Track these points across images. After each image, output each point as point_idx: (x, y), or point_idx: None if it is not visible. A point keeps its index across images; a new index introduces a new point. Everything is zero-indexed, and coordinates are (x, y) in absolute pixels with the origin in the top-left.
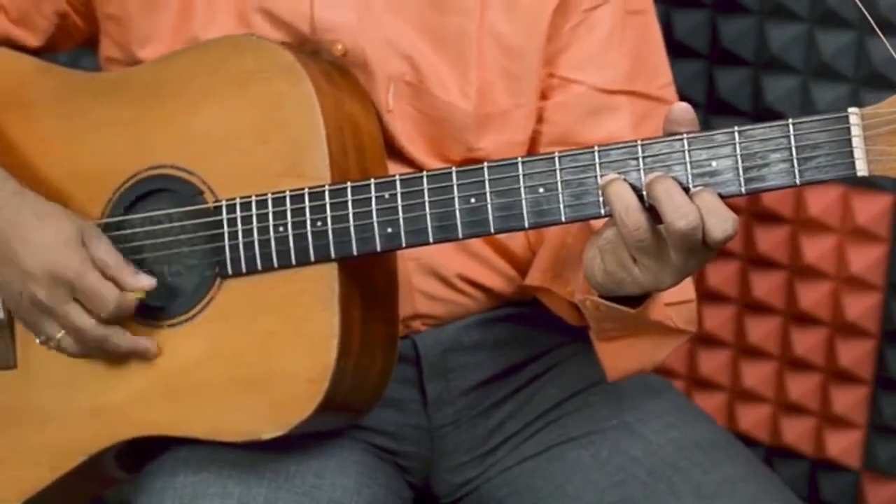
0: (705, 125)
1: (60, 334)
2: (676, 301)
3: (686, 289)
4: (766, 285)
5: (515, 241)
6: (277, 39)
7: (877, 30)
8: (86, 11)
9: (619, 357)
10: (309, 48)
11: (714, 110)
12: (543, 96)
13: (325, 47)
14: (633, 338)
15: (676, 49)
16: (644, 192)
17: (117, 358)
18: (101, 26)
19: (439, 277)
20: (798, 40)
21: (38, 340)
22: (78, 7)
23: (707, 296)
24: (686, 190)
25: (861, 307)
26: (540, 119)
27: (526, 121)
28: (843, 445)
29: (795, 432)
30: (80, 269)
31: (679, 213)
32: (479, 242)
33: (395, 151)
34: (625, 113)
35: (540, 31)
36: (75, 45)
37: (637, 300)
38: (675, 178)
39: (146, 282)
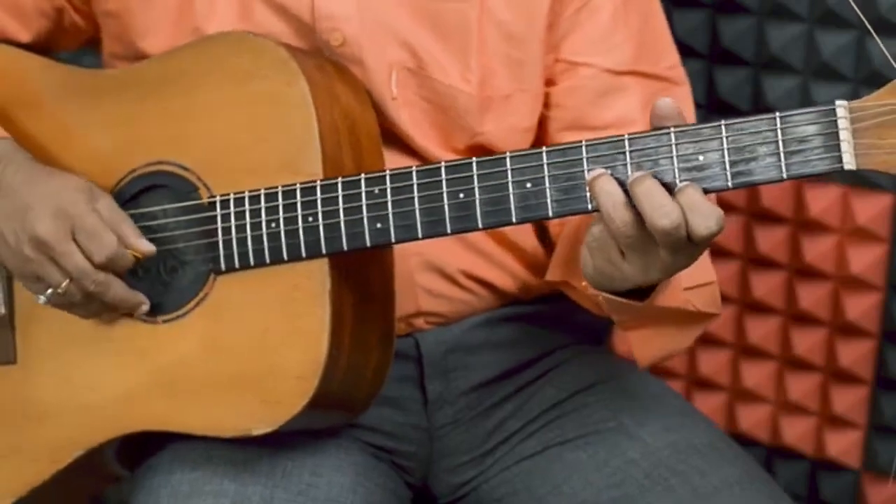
0: None
1: (66, 282)
2: (695, 285)
3: (705, 271)
4: (766, 285)
5: (525, 237)
6: (277, 27)
7: (874, 34)
8: (85, 10)
9: (646, 344)
10: (307, 43)
11: (714, 110)
12: (551, 82)
13: (323, 36)
14: (656, 326)
15: (676, 49)
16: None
17: (110, 350)
18: (100, 23)
19: (443, 274)
20: (798, 40)
21: (41, 298)
22: (76, 3)
23: None
24: (672, 186)
25: (861, 307)
26: (550, 105)
27: (530, 106)
28: (843, 445)
29: (795, 432)
30: (84, 208)
31: (661, 211)
32: (484, 238)
33: (398, 141)
34: (634, 93)
35: (540, 16)
36: (76, 44)
37: (649, 290)
38: (661, 173)
39: (146, 246)
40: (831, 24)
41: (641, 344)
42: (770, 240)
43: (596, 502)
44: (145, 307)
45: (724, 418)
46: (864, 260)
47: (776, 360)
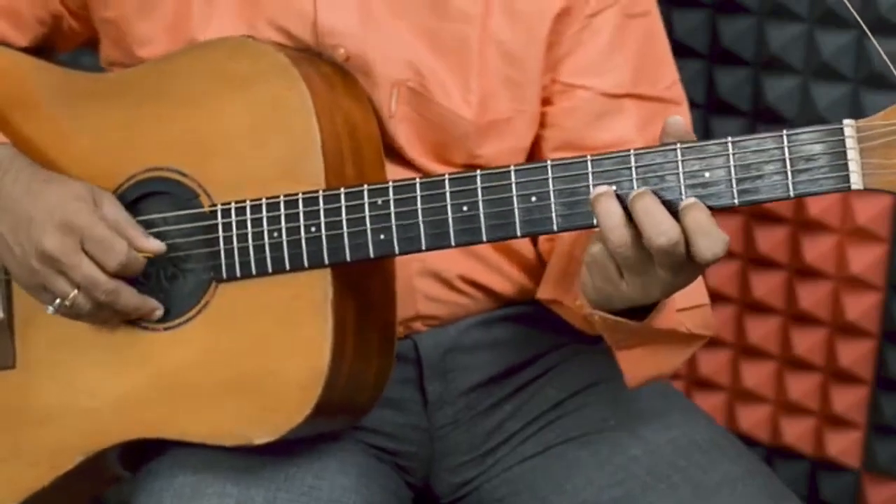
0: (705, 125)
1: (74, 292)
2: (688, 306)
3: (698, 293)
4: (766, 285)
5: (522, 243)
6: (277, 39)
7: (870, 36)
8: (82, 15)
9: (637, 364)
10: (311, 51)
11: (714, 110)
12: (547, 102)
13: (327, 52)
14: (648, 346)
15: (676, 49)
16: None
17: (111, 356)
18: (98, 29)
19: (440, 279)
20: (798, 40)
21: (50, 309)
22: (74, 10)
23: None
24: (677, 202)
25: (861, 307)
26: (546, 124)
27: (527, 127)
28: (843, 445)
29: (795, 432)
30: (91, 219)
31: (658, 229)
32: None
33: (397, 155)
34: (631, 115)
35: (540, 37)
36: (74, 46)
37: (647, 310)
38: (667, 189)
39: (155, 245)
40: (831, 24)
41: (632, 364)
42: (770, 240)
43: (598, 501)
44: (159, 312)
45: (724, 418)
46: (864, 260)
47: (776, 360)
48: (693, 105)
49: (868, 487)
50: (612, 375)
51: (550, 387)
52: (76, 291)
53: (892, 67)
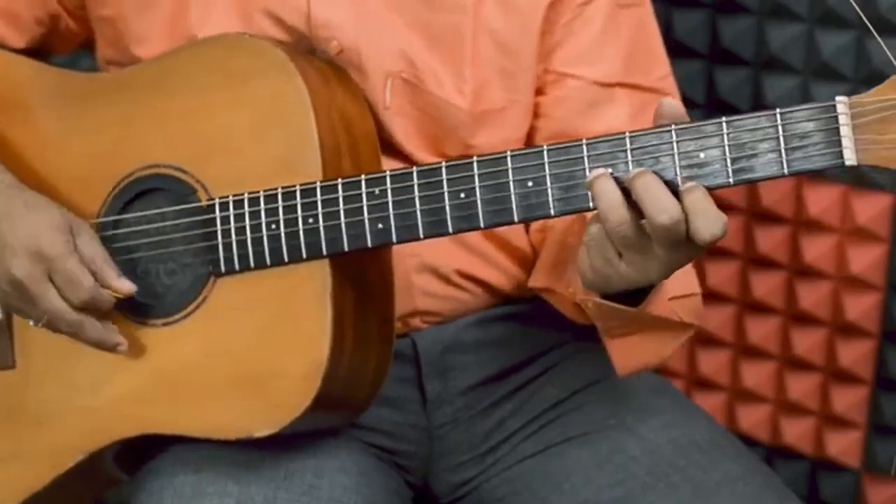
0: None
1: (43, 319)
2: (680, 295)
3: (690, 282)
4: (766, 285)
5: (518, 237)
6: (272, 37)
7: (874, 31)
8: (80, 14)
9: (627, 353)
10: (304, 46)
11: (714, 110)
12: (539, 92)
13: (320, 45)
14: (640, 334)
15: (676, 49)
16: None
17: (110, 354)
18: (94, 28)
19: (437, 275)
20: (798, 40)
21: (31, 323)
22: (71, 10)
23: (707, 296)
24: (674, 184)
25: (861, 307)
26: (538, 115)
27: (522, 117)
28: (843, 445)
29: (795, 432)
30: (62, 251)
31: (659, 207)
32: (480, 238)
33: (391, 148)
34: (623, 104)
35: (534, 26)
36: (71, 48)
37: (639, 297)
38: (663, 170)
39: (126, 287)
40: (831, 24)
41: (623, 353)
42: (770, 240)
43: (598, 500)
44: (122, 348)
45: (724, 418)
46: (864, 260)
47: (776, 360)
48: (693, 105)
49: (868, 487)
50: (611, 373)
51: (551, 385)
52: (46, 318)
53: (893, 61)
